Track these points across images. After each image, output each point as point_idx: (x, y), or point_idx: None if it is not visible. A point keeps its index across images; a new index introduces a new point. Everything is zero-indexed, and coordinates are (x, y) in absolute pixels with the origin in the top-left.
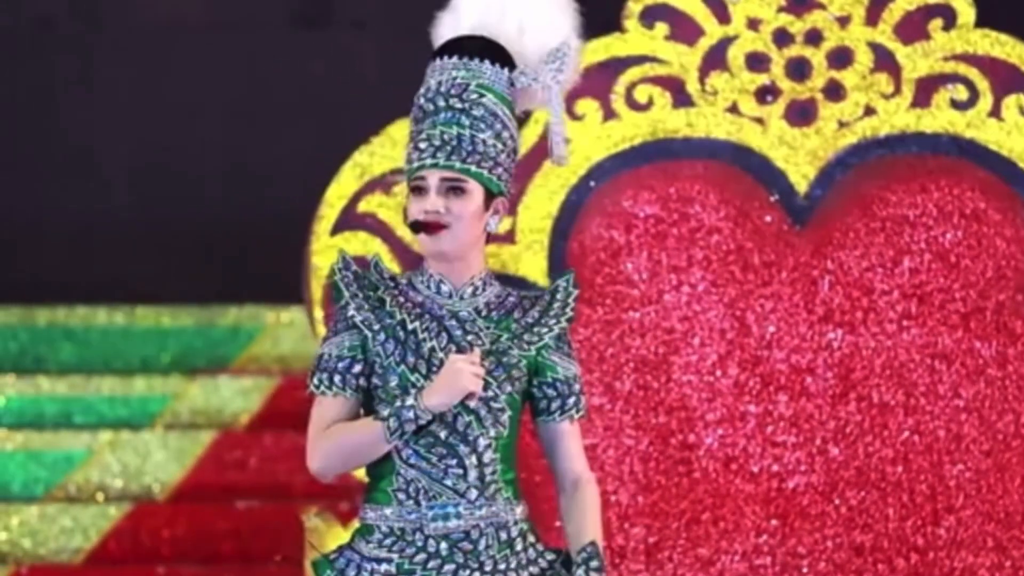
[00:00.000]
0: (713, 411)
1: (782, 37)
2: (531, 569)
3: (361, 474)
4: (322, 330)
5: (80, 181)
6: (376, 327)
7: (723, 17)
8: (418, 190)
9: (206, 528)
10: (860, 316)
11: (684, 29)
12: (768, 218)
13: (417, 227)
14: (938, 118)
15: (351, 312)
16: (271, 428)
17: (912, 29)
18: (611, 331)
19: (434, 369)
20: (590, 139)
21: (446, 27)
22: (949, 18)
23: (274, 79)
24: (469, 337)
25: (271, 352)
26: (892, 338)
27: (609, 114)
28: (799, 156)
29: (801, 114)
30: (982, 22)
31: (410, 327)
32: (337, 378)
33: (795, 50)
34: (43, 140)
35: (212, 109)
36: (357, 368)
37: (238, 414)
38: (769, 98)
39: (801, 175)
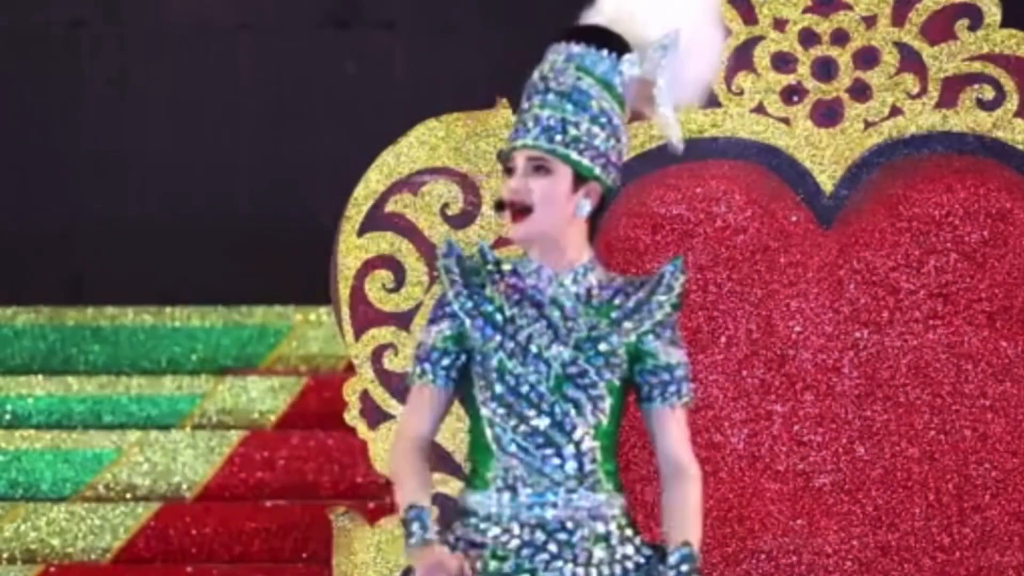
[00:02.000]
0: (739, 410)
1: (808, 37)
2: (626, 564)
3: (388, 473)
4: (349, 330)
5: (110, 181)
6: (475, 313)
7: (749, 17)
8: (509, 171)
9: (234, 527)
10: (886, 316)
11: None
12: (794, 218)
13: (499, 205)
14: (964, 118)
15: (450, 299)
16: (299, 428)
17: (938, 29)
18: None
19: (530, 357)
20: None
21: (587, 20)
22: (975, 18)
23: (305, 79)
24: (568, 324)
25: (299, 352)
26: (918, 338)
27: (636, 114)
28: (825, 156)
29: (827, 114)
30: (1008, 22)
31: (508, 314)
32: (430, 367)
33: (821, 50)
34: (72, 140)
35: (243, 109)
36: (447, 360)
37: (266, 414)
38: (795, 98)
39: (827, 175)
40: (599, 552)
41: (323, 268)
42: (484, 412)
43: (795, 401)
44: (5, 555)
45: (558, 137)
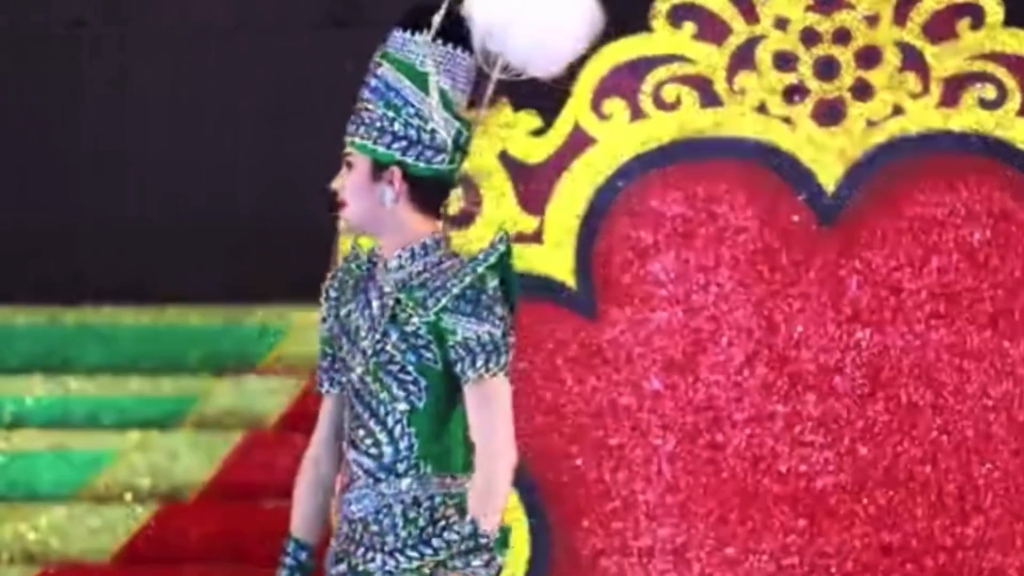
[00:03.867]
0: (741, 411)
1: (810, 36)
2: (435, 543)
3: None
4: None
5: (108, 181)
6: (328, 315)
7: (751, 16)
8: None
9: (234, 528)
10: (888, 316)
11: (712, 28)
12: (796, 218)
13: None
14: (966, 117)
15: (322, 302)
16: (299, 428)
17: (940, 28)
18: (638, 331)
19: (356, 348)
20: (618, 138)
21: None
22: (977, 17)
23: (304, 79)
24: (385, 312)
25: (298, 352)
26: (920, 338)
27: (637, 113)
28: (827, 155)
29: (829, 113)
30: (1011, 21)
31: (346, 309)
32: (318, 373)
33: (823, 49)
34: (71, 140)
35: (242, 109)
36: (326, 362)
37: (266, 414)
38: (797, 97)
39: (829, 174)
40: (406, 536)
41: (323, 268)
42: (345, 410)
43: (797, 401)
44: (5, 556)
45: (353, 128)
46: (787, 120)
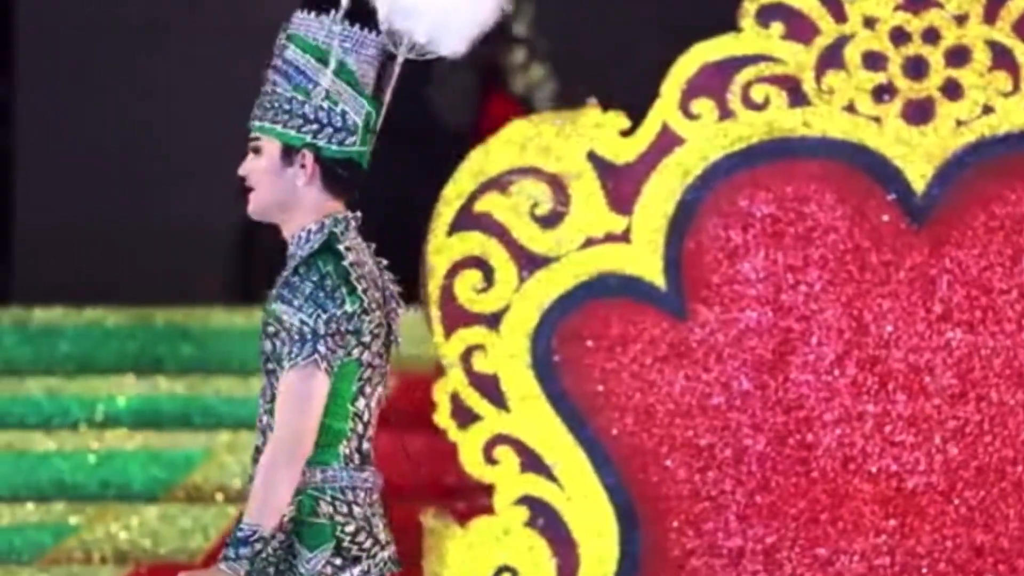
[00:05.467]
0: (831, 411)
1: (899, 36)
2: (274, 542)
3: (479, 474)
4: (438, 330)
5: (198, 182)
6: None
7: (839, 16)
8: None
9: None
10: (979, 315)
11: (800, 28)
12: (885, 217)
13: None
14: None
15: None
16: (388, 428)
17: None
18: (728, 331)
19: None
20: (706, 138)
21: None
22: None
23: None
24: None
25: None
26: (1011, 337)
27: (725, 113)
28: (916, 155)
29: (918, 113)
30: None
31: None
32: None
33: (912, 48)
34: (161, 141)
35: None
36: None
37: None
38: (886, 97)
39: (919, 174)
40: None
41: (413, 268)
42: None
43: (887, 401)
44: (96, 555)
45: (259, 112)
46: (876, 119)
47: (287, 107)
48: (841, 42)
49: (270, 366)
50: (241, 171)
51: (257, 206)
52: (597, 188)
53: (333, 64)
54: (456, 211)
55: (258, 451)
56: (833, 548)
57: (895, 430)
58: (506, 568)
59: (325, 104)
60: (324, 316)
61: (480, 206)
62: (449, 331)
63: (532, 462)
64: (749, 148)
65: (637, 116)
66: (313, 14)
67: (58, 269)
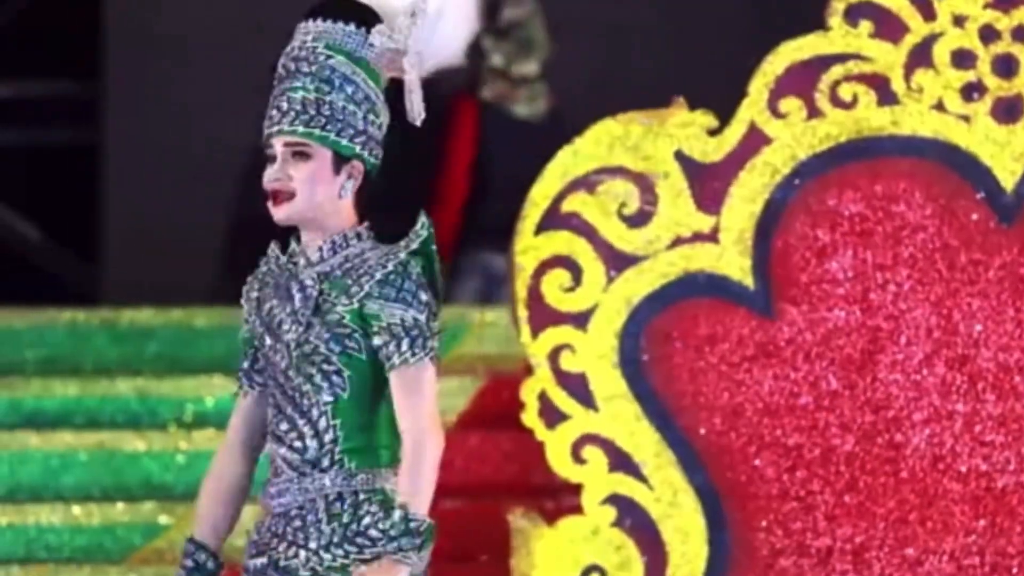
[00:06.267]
0: (920, 410)
1: (989, 34)
2: (359, 540)
3: (567, 473)
4: (526, 330)
5: None
6: (250, 313)
7: (928, 14)
8: (270, 159)
9: None
10: None
11: (889, 26)
12: (974, 216)
13: (266, 196)
14: None
15: (243, 303)
16: (477, 428)
17: None
18: (816, 330)
19: (280, 343)
20: (794, 137)
21: None
22: None
23: None
24: (308, 304)
25: (476, 352)
26: None
27: (813, 112)
28: (1006, 153)
29: (1008, 111)
30: None
31: (268, 305)
32: (239, 374)
33: (1002, 47)
34: (249, 142)
35: None
36: (247, 363)
37: (445, 413)
38: (975, 95)
39: (1008, 172)
40: (330, 532)
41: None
42: (268, 407)
43: (977, 401)
44: None
45: (315, 120)
46: (965, 118)
47: (340, 116)
48: (930, 40)
49: (328, 366)
50: (279, 174)
51: (296, 211)
52: (685, 187)
53: (383, 79)
54: (543, 211)
55: (294, 467)
56: (922, 548)
57: (984, 430)
58: (594, 567)
59: (371, 117)
60: (429, 313)
61: (568, 206)
62: (537, 331)
63: (620, 461)
64: (837, 147)
65: (724, 115)
66: (340, 23)
67: (147, 270)
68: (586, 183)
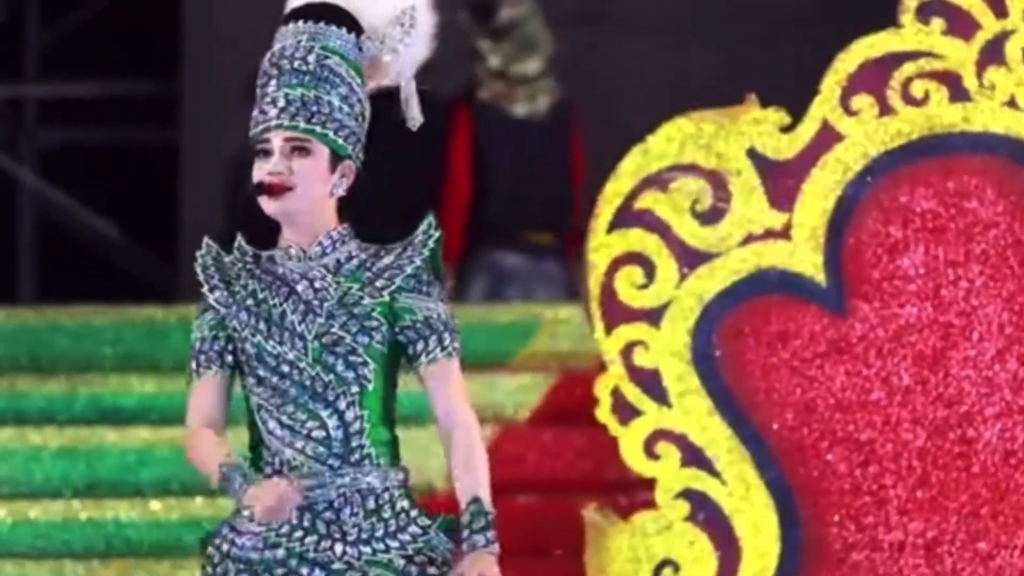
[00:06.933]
0: (992, 405)
1: None
2: (401, 536)
3: (640, 468)
4: (599, 326)
5: None
6: (230, 302)
7: (1000, 11)
8: (263, 153)
9: None
10: None
11: (961, 24)
12: None
13: (260, 189)
14: None
15: (206, 292)
16: (551, 424)
17: None
18: (888, 326)
19: (287, 335)
20: (866, 134)
21: (291, 3)
22: None
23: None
24: (319, 296)
25: (549, 349)
26: None
27: (885, 109)
28: None
29: None
30: None
31: (260, 296)
32: (203, 357)
33: None
34: None
35: None
36: (217, 345)
37: (518, 410)
38: None
39: None
40: (371, 528)
41: (574, 265)
42: (253, 399)
43: None
44: None
45: (316, 117)
46: None
47: (337, 116)
48: (1002, 37)
49: (355, 357)
50: (280, 168)
51: (294, 204)
52: (757, 184)
53: (368, 83)
54: (616, 209)
55: (317, 459)
56: (994, 542)
57: None
58: (668, 562)
59: (360, 119)
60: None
61: (640, 203)
62: (610, 327)
63: (693, 457)
64: (909, 144)
65: (796, 113)
66: (333, 26)
67: None
68: (658, 181)
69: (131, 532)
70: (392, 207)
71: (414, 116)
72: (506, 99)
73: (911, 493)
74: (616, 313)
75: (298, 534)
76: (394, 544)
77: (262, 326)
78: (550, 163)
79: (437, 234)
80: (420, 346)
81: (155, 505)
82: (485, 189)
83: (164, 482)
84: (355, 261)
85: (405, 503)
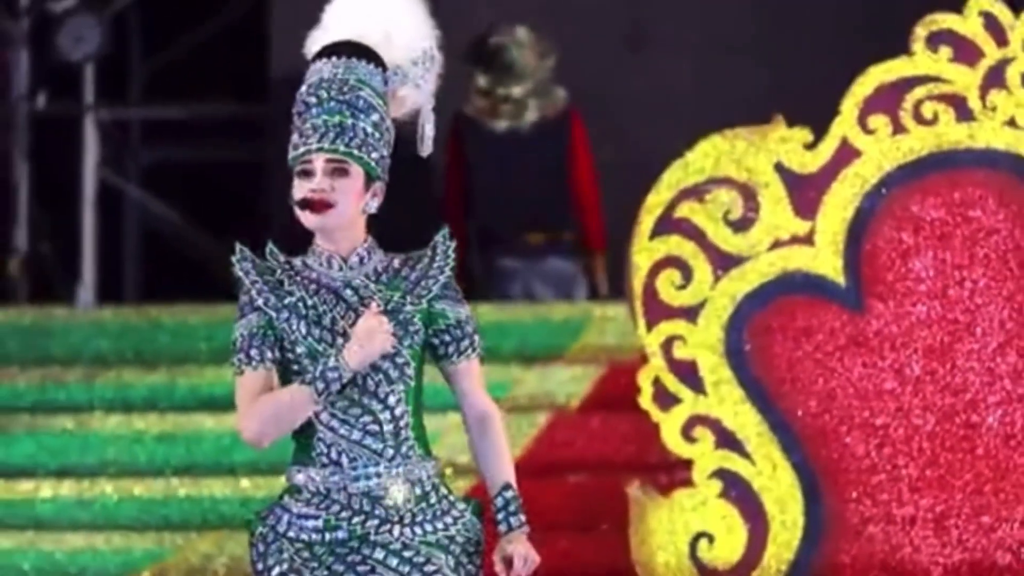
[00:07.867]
0: (994, 394)
1: None
2: (445, 519)
3: (679, 450)
4: (642, 323)
5: None
6: (279, 306)
7: (1001, 40)
8: (305, 173)
9: (541, 500)
10: None
11: (966, 52)
12: None
13: (304, 205)
14: None
15: (254, 295)
16: (598, 411)
17: None
18: (901, 322)
19: (338, 337)
20: (881, 151)
21: (318, 43)
22: None
23: (599, 95)
24: (365, 301)
25: (598, 343)
26: None
27: (898, 128)
28: None
29: None
30: None
31: (310, 302)
32: (254, 352)
33: None
34: None
35: None
36: (265, 342)
37: (570, 399)
38: None
39: None
40: (420, 512)
41: (620, 266)
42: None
43: None
44: None
45: (352, 142)
46: None
47: (370, 142)
48: (1003, 64)
49: (400, 359)
50: (323, 186)
51: (334, 220)
52: (783, 196)
53: (391, 111)
54: (657, 217)
55: (372, 450)
56: (996, 516)
57: None
58: (703, 534)
59: (388, 147)
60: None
61: (679, 212)
62: (652, 324)
63: (726, 440)
64: (920, 159)
65: (819, 131)
66: (362, 61)
67: None
68: (695, 192)
69: (224, 507)
70: (385, 222)
71: (428, 143)
72: (490, 115)
73: (921, 472)
74: (657, 311)
75: (358, 519)
76: (440, 526)
77: (314, 330)
78: (537, 170)
79: (453, 244)
80: (454, 347)
81: (245, 483)
82: (475, 196)
83: (254, 463)
84: (391, 271)
85: (444, 490)
